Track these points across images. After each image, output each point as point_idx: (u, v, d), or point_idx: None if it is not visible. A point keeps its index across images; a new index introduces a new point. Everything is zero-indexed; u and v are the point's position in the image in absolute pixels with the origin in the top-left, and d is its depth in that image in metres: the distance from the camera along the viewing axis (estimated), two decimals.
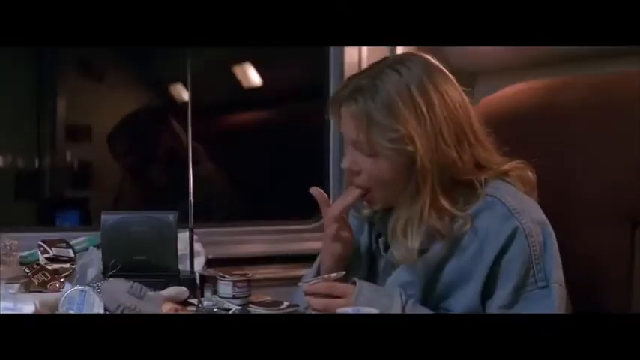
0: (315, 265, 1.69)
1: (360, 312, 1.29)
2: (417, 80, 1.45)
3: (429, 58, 1.53)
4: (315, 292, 1.48)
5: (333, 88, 2.43)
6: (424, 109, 1.43)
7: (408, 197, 1.46)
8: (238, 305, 1.63)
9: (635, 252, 1.60)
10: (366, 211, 1.63)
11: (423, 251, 1.48)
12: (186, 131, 1.82)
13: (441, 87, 1.47)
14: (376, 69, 1.50)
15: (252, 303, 1.63)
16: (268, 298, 1.69)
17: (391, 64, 1.49)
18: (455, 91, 1.49)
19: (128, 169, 2.64)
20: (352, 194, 1.54)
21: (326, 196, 1.61)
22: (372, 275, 1.63)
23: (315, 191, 1.61)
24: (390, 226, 1.50)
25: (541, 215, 1.48)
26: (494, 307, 1.44)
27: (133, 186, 2.64)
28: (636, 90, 1.62)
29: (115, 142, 2.62)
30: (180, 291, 1.62)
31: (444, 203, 1.44)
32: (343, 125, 1.52)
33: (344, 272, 1.54)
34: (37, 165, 2.70)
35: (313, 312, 1.48)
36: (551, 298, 1.42)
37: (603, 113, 1.69)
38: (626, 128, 1.62)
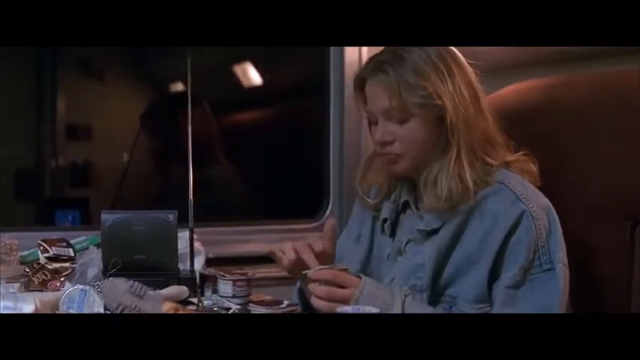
0: None
1: (360, 311, 1.29)
2: (435, 51, 1.57)
3: None
4: (320, 279, 1.49)
5: (333, 88, 2.43)
6: (445, 72, 1.55)
7: (439, 152, 1.55)
8: (238, 304, 1.64)
9: (635, 252, 1.60)
10: (374, 200, 1.68)
11: (432, 232, 1.55)
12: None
13: (457, 59, 1.59)
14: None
15: (253, 302, 1.63)
16: (268, 298, 1.69)
17: None
18: (467, 65, 1.60)
19: (155, 154, 2.64)
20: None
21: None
22: (374, 264, 1.68)
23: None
24: (422, 179, 1.57)
25: (546, 201, 1.54)
26: (500, 287, 1.49)
27: (153, 172, 2.65)
28: (636, 88, 1.62)
29: (148, 121, 2.63)
30: (181, 290, 1.63)
31: (465, 163, 1.52)
32: (372, 99, 1.59)
33: (348, 265, 1.56)
34: (36, 165, 2.70)
35: (314, 299, 1.48)
36: (556, 280, 1.48)
37: (603, 112, 1.69)
38: (626, 127, 1.63)
